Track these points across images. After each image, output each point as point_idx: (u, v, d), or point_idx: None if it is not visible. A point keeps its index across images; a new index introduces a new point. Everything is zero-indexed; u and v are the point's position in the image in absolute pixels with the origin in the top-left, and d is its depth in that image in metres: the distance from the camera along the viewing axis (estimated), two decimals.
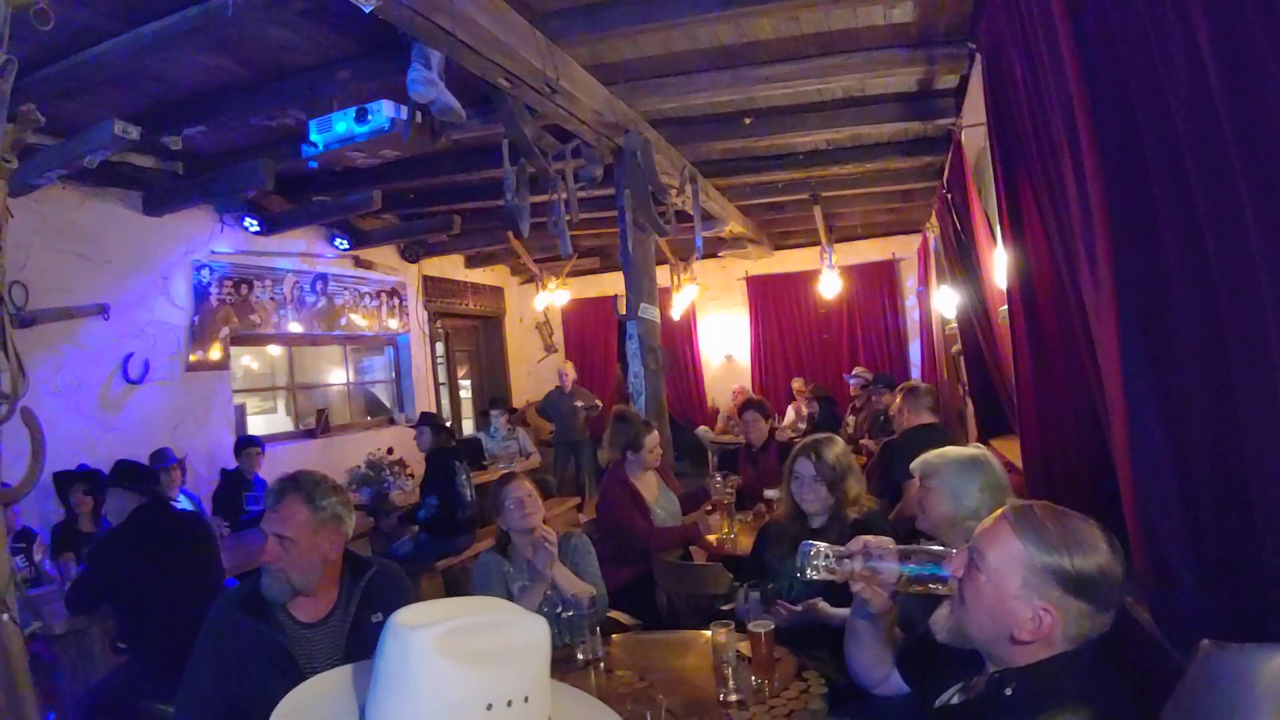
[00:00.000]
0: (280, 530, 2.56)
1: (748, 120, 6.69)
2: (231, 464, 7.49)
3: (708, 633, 3.02)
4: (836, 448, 3.75)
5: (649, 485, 5.40)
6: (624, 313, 6.54)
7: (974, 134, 5.44)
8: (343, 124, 4.85)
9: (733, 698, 2.78)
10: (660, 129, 6.50)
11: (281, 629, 2.59)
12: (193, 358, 7.75)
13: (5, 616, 1.84)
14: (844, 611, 3.29)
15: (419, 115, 4.69)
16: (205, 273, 7.93)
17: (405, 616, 1.34)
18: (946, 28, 5.09)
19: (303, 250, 9.11)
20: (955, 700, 1.96)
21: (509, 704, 1.28)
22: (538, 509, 3.75)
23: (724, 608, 3.56)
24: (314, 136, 5.02)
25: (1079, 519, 1.76)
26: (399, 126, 4.67)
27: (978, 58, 4.40)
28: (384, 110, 4.72)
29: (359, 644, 2.54)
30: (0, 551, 1.90)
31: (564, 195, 5.55)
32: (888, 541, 2.15)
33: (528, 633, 1.36)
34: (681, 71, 5.64)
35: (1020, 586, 1.72)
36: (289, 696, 1.46)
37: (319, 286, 9.36)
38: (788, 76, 5.52)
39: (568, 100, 4.98)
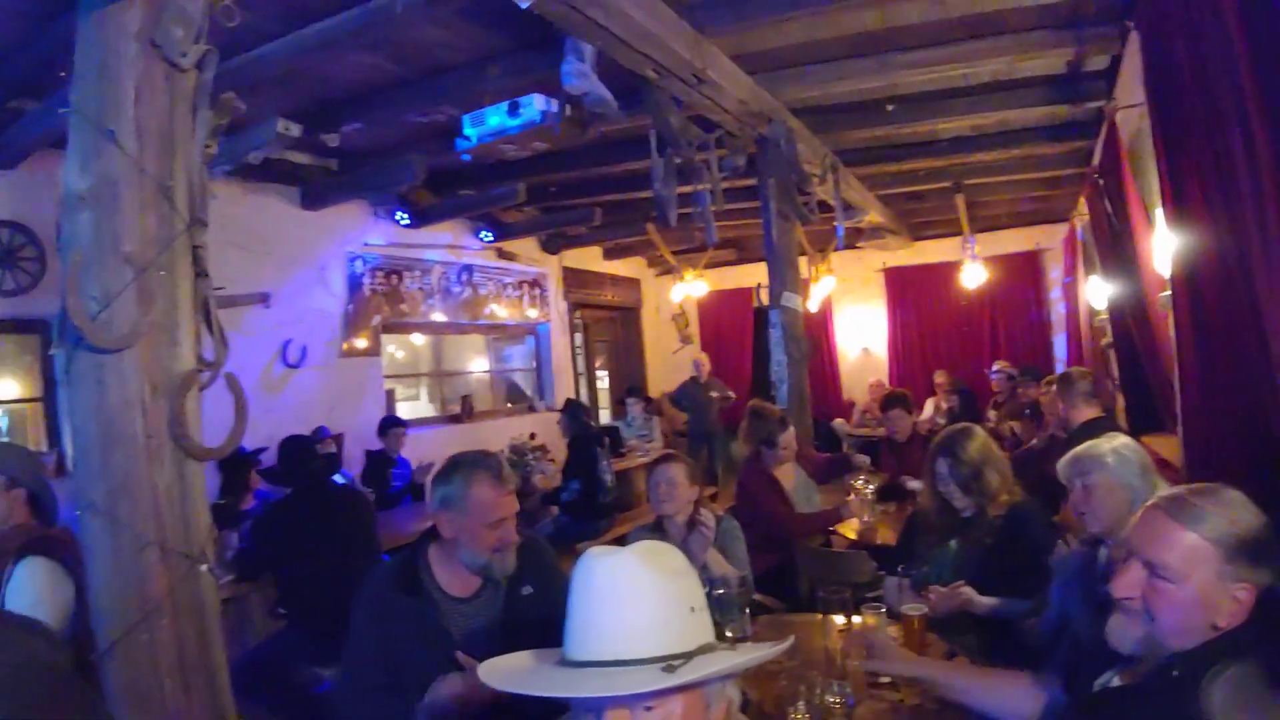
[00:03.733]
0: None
1: (890, 107, 6.61)
2: (378, 445, 7.78)
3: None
4: (974, 441, 3.66)
5: (787, 474, 5.42)
6: (765, 302, 6.55)
7: (1129, 115, 5.26)
8: (496, 118, 5.02)
9: (883, 680, 2.78)
10: (802, 118, 6.48)
11: (434, 604, 2.64)
12: (347, 344, 8.12)
13: (204, 568, 2.00)
14: (992, 600, 3.29)
15: (569, 108, 4.83)
16: (359, 264, 8.31)
17: (598, 551, 1.55)
18: (1098, 7, 4.95)
19: (449, 242, 9.43)
20: (1115, 683, 1.93)
21: (692, 610, 1.51)
22: (674, 498, 3.81)
23: (870, 595, 3.57)
24: (468, 131, 5.20)
25: (1219, 488, 1.74)
26: (550, 119, 4.80)
27: (1132, 36, 4.27)
28: (535, 104, 4.86)
29: (514, 615, 2.61)
30: (201, 506, 2.07)
31: (709, 185, 5.61)
32: None
33: (683, 556, 1.60)
34: (825, 59, 5.61)
35: (1215, 578, 1.67)
36: (484, 667, 1.61)
37: (464, 277, 9.67)
38: (933, 62, 5.44)
39: (713, 90, 5.02)
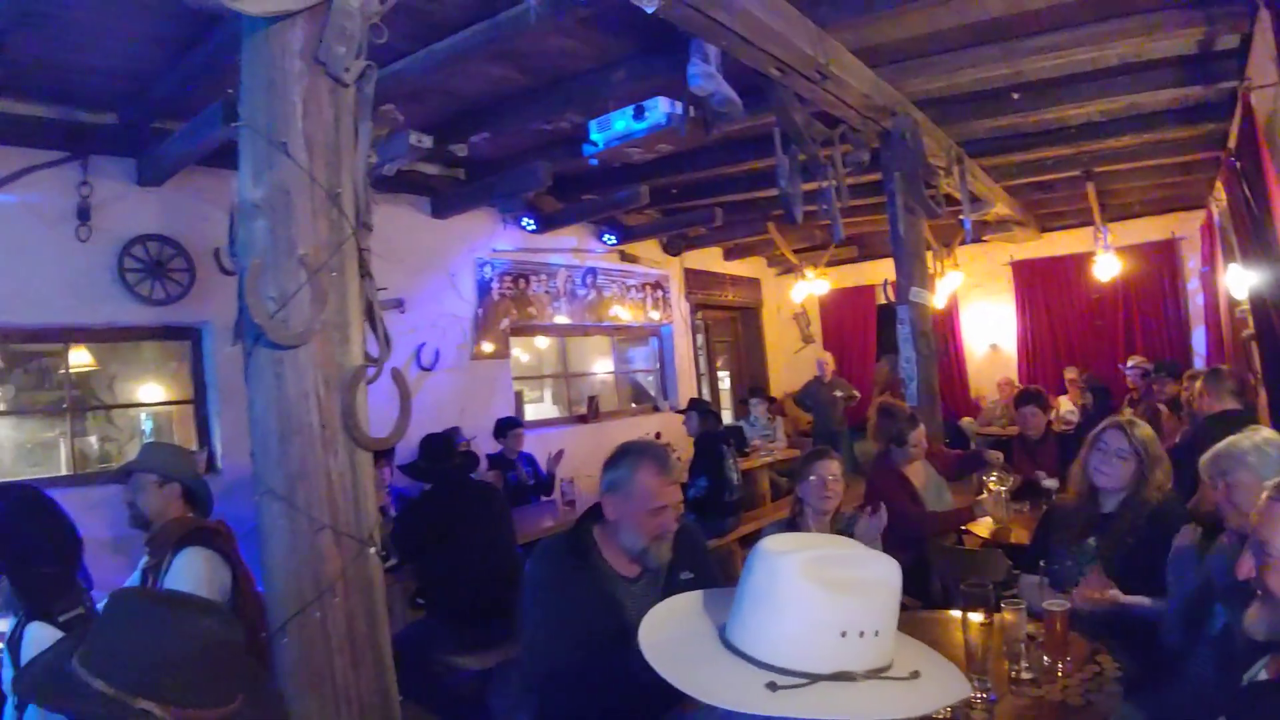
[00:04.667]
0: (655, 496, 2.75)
1: (1016, 95, 6.49)
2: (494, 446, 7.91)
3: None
4: (1148, 430, 3.63)
5: (917, 472, 5.38)
6: (890, 299, 6.51)
7: (1263, 95, 5.07)
8: (621, 122, 5.13)
9: (1025, 675, 2.77)
10: (926, 109, 6.40)
11: (607, 577, 2.78)
12: (477, 347, 8.35)
13: (372, 550, 2.13)
14: (1140, 599, 3.23)
15: (693, 109, 4.90)
16: (487, 269, 8.57)
17: (773, 543, 1.49)
18: None
19: (574, 246, 9.63)
20: (1263, 676, 1.91)
21: (860, 634, 1.38)
22: (836, 494, 3.86)
23: (1008, 594, 3.55)
24: (594, 136, 5.33)
25: None
26: (675, 121, 4.89)
27: (1262, 15, 4.12)
28: (660, 106, 4.95)
29: None
30: (369, 492, 2.21)
31: (834, 181, 5.61)
32: None
33: (881, 570, 1.46)
34: (948, 49, 5.55)
35: None
36: (650, 615, 1.61)
37: (588, 280, 9.85)
38: (1059, 46, 5.32)
39: (836, 85, 5.02)
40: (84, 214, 5.85)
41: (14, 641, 2.88)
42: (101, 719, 1.50)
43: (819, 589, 1.38)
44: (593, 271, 9.91)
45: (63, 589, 2.91)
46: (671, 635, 1.55)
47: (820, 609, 1.38)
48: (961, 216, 7.43)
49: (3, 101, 5.01)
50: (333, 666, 2.09)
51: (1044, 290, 12.26)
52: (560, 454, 7.68)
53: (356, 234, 2.17)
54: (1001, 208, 9.34)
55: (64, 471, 6.28)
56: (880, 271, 11.99)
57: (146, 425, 7.57)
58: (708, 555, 3.06)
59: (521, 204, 8.43)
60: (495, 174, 7.51)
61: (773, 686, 1.34)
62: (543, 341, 10.38)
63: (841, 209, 5.85)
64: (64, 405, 6.48)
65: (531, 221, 8.71)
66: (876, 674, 1.39)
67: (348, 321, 2.17)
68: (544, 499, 7.55)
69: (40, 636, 2.82)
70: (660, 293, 11.01)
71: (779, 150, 5.36)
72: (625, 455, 2.81)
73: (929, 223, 7.13)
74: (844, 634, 1.37)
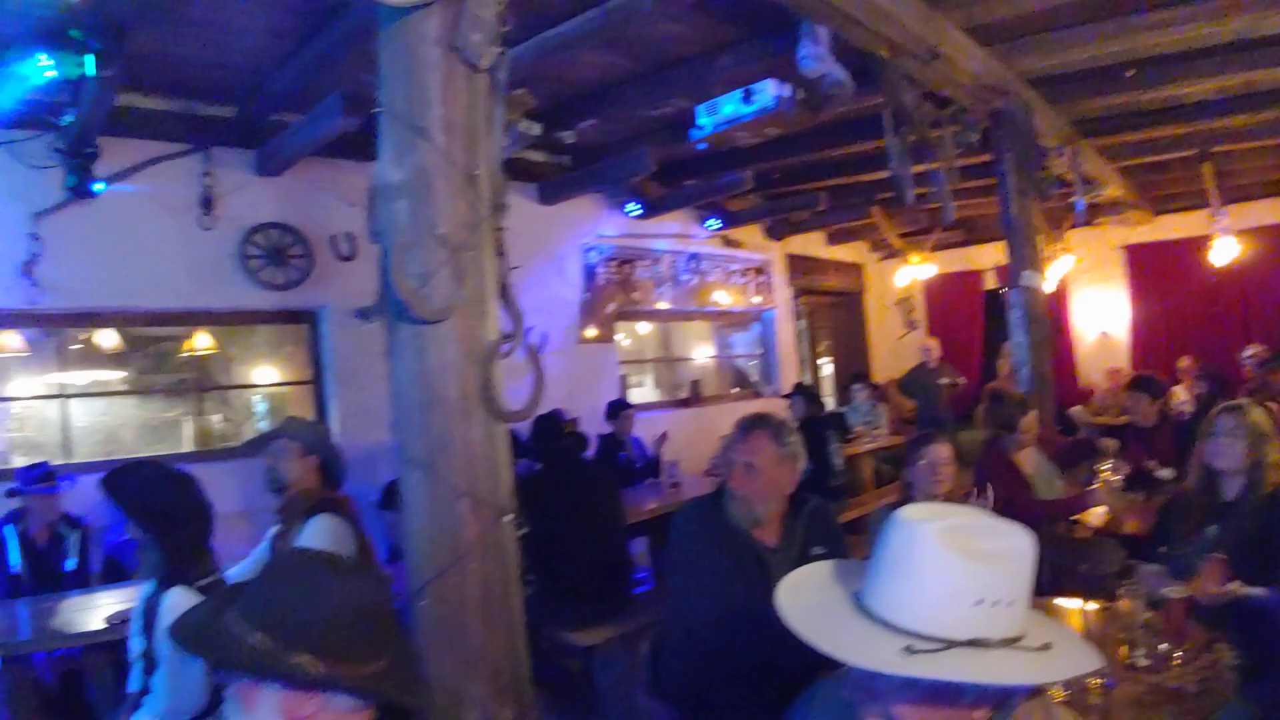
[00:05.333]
0: (749, 459, 2.85)
1: (1130, 72, 6.31)
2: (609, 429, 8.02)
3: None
4: (1258, 412, 3.55)
5: (1028, 459, 5.30)
6: (998, 284, 6.41)
7: None
8: (730, 106, 5.15)
9: (1142, 662, 2.75)
10: (1037, 88, 6.26)
11: (749, 544, 2.87)
12: (584, 332, 8.46)
13: (506, 519, 2.23)
14: (1261, 591, 3.16)
15: (801, 92, 4.90)
16: (593, 254, 8.69)
17: (911, 512, 1.52)
18: None
19: (677, 231, 9.66)
20: None
21: (995, 603, 1.40)
22: (949, 479, 3.86)
23: (1124, 584, 3.50)
24: (702, 120, 5.36)
25: None
26: (784, 104, 4.89)
27: None
28: (769, 89, 4.96)
29: None
30: (505, 462, 2.30)
31: (944, 162, 5.55)
32: None
33: (1017, 540, 1.48)
34: (1060, 26, 5.43)
35: None
36: (785, 582, 1.66)
37: (692, 265, 9.89)
38: (1174, 21, 5.16)
39: (947, 65, 4.97)
40: (207, 203, 6.12)
41: (149, 609, 3.08)
42: (257, 669, 1.56)
43: (956, 557, 1.41)
44: (696, 257, 9.93)
45: (199, 556, 3.10)
46: (809, 601, 1.59)
47: (957, 576, 1.41)
48: (1073, 198, 7.26)
49: (128, 96, 5.23)
50: (468, 628, 2.19)
51: (1157, 275, 11.81)
52: (664, 436, 7.76)
53: (492, 214, 2.26)
54: (1114, 189, 9.09)
55: (188, 449, 6.56)
56: (988, 256, 11.83)
57: (260, 406, 7.88)
58: (840, 533, 3.14)
59: (627, 190, 8.52)
60: (601, 160, 7.59)
61: (910, 650, 1.38)
62: (644, 326, 10.47)
63: (951, 191, 5.79)
64: (187, 386, 6.78)
65: (637, 207, 8.77)
66: (1010, 643, 1.40)
67: (485, 298, 2.27)
68: (650, 481, 7.62)
69: (179, 602, 3.00)
70: (763, 278, 10.98)
71: (889, 132, 5.33)
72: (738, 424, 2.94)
73: (1041, 205, 6.99)
74: (979, 602, 1.39)
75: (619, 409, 7.92)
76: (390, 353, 2.24)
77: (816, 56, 4.28)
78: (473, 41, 2.18)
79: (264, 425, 7.71)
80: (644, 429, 8.09)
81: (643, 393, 10.50)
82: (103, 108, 5.04)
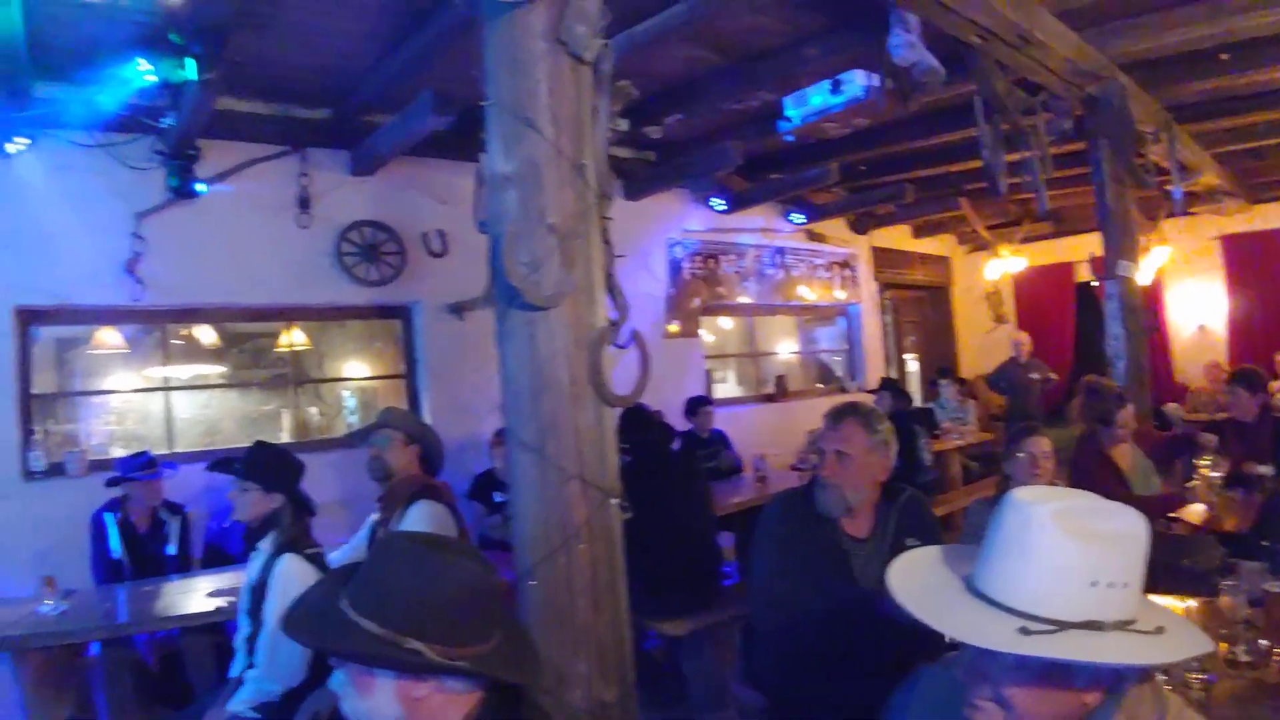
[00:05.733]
0: (840, 447, 2.85)
1: (1224, 56, 6.12)
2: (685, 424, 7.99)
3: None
4: None
5: (1124, 454, 5.20)
6: (1090, 276, 6.28)
7: None
8: (818, 97, 5.13)
9: (1243, 658, 2.71)
10: (1131, 73, 6.10)
11: (839, 536, 2.88)
12: (669, 327, 8.50)
13: (614, 501, 2.27)
14: None
15: (889, 81, 4.86)
16: (678, 250, 8.74)
17: (1024, 494, 1.53)
18: None
19: (762, 226, 9.66)
20: None
21: (1109, 585, 1.41)
22: (1048, 473, 3.82)
23: (1224, 581, 3.43)
24: (789, 112, 5.35)
25: None
26: (873, 94, 4.86)
27: None
28: (857, 80, 4.93)
29: None
30: (612, 446, 2.35)
31: (1037, 151, 5.47)
32: None
33: (1131, 523, 1.48)
34: (1153, 9, 5.31)
35: None
36: (895, 566, 1.68)
37: (776, 260, 9.88)
38: (1271, 2, 5.01)
39: (1039, 51, 4.89)
40: (304, 203, 6.35)
41: (261, 579, 3.36)
42: (372, 657, 1.61)
43: (1070, 539, 1.41)
44: (780, 251, 9.92)
45: (308, 529, 3.43)
46: (920, 584, 1.61)
47: (1071, 558, 1.41)
48: (1169, 186, 7.07)
49: (226, 100, 5.40)
50: (575, 608, 2.23)
51: (1256, 267, 11.41)
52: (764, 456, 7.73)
53: (599, 203, 2.30)
54: (1210, 177, 8.83)
55: (287, 439, 6.76)
56: (1079, 247, 11.57)
57: (350, 400, 8.08)
58: (934, 524, 3.11)
59: (711, 184, 8.53)
60: (686, 155, 7.61)
61: (1025, 631, 1.39)
62: (725, 321, 10.46)
63: (1051, 177, 5.69)
64: (285, 379, 6.99)
65: (722, 201, 8.80)
66: (1123, 626, 1.41)
67: (593, 285, 2.31)
68: (732, 478, 7.62)
69: (290, 568, 3.31)
70: (848, 272, 10.91)
71: (981, 120, 5.26)
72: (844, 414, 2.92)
73: (1150, 190, 6.81)
74: (1093, 584, 1.40)
75: (699, 405, 7.93)
76: (500, 339, 2.29)
77: (908, 44, 4.25)
78: (578, 34, 2.23)
79: (354, 419, 7.91)
80: (729, 424, 8.11)
81: (725, 388, 10.51)
82: (203, 111, 5.23)
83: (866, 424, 2.89)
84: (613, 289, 2.40)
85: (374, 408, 7.49)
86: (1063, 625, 1.39)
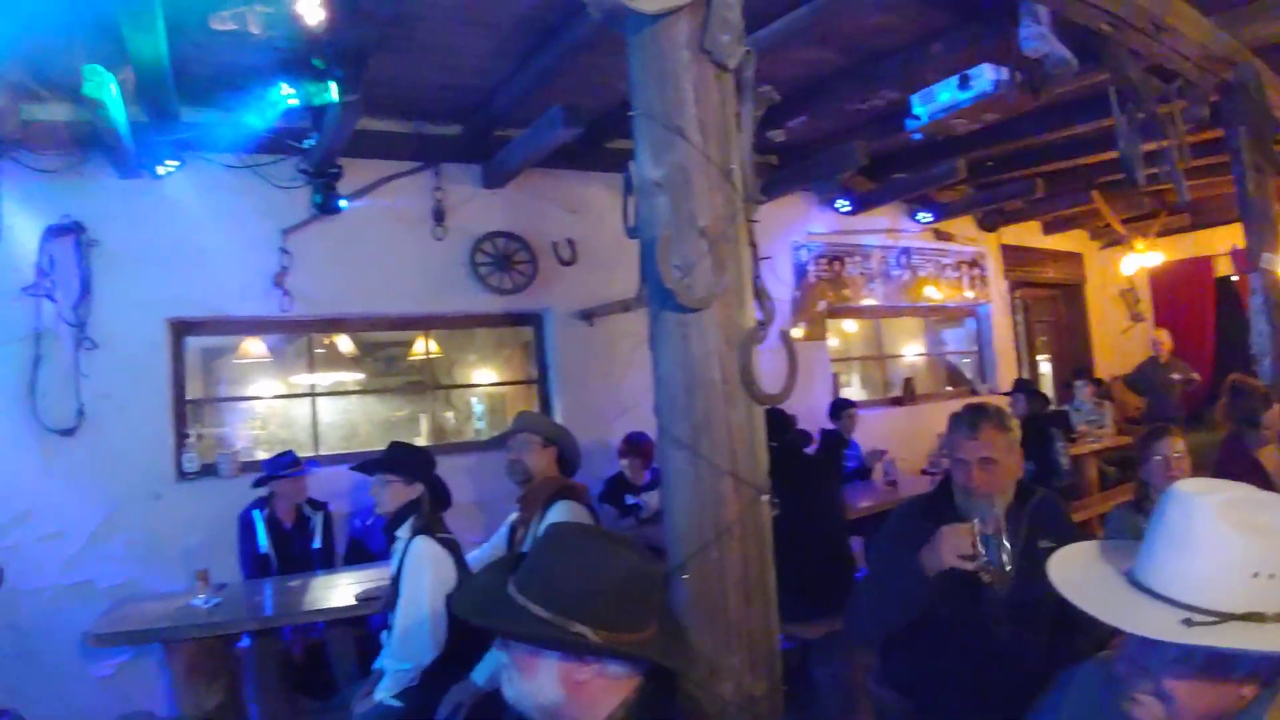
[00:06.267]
0: (985, 454, 2.80)
1: None
2: (828, 426, 7.98)
3: None
4: None
5: (1270, 457, 5.00)
6: (1225, 272, 6.05)
7: None
8: (946, 93, 5.10)
9: None
10: (1264, 58, 5.87)
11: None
12: (796, 330, 8.48)
13: (765, 497, 2.32)
14: None
15: (1018, 74, 4.80)
16: (803, 252, 8.75)
17: (1187, 486, 1.54)
18: None
19: (887, 226, 9.56)
20: None
21: (1271, 576, 1.41)
22: (1185, 474, 3.72)
23: None
24: (917, 110, 5.33)
25: None
26: (1002, 88, 4.81)
27: None
28: (985, 74, 4.89)
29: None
30: (762, 444, 2.40)
31: (1173, 140, 5.31)
32: None
33: None
34: None
35: None
36: (1054, 558, 1.70)
37: (902, 260, 9.76)
38: None
39: (1172, 37, 4.75)
40: (439, 215, 6.62)
41: (400, 567, 3.67)
42: (539, 639, 1.69)
43: (1233, 530, 1.43)
44: (906, 251, 9.80)
45: (441, 518, 3.87)
46: (1079, 577, 1.63)
47: (1234, 549, 1.42)
48: None
49: (364, 120, 5.64)
50: (727, 603, 2.28)
51: None
52: (883, 453, 7.65)
53: (745, 207, 2.36)
54: None
55: (424, 443, 7.00)
56: (1218, 240, 11.16)
57: (477, 407, 8.30)
58: (1071, 526, 3.06)
59: (836, 186, 8.50)
60: (810, 157, 7.60)
61: (1188, 623, 1.41)
62: (849, 324, 10.36)
63: (1189, 166, 5.52)
64: (423, 385, 7.27)
65: (846, 203, 8.76)
66: None
67: (742, 286, 2.37)
68: (866, 482, 7.58)
69: (423, 549, 3.63)
70: (976, 271, 10.68)
71: (1116, 109, 5.14)
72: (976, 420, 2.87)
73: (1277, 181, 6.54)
74: (1255, 575, 1.41)
75: (842, 408, 7.89)
76: (653, 341, 2.36)
77: (1038, 36, 4.21)
78: (721, 42, 2.28)
79: (481, 425, 8.13)
80: (856, 427, 8.05)
81: (850, 391, 10.40)
82: (344, 131, 5.48)
83: (1001, 425, 2.84)
84: (759, 291, 2.46)
85: (503, 414, 7.71)
86: (1225, 616, 1.40)
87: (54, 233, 5.53)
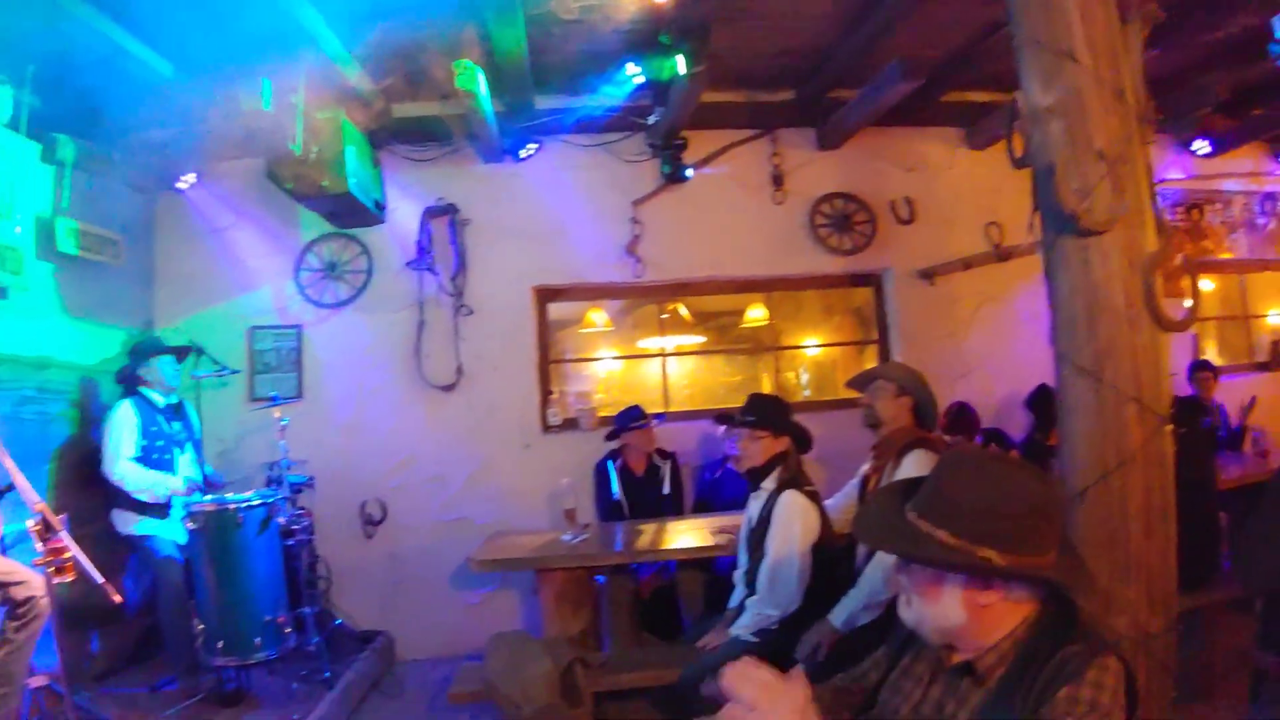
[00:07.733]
0: None
1: None
2: (1185, 390, 7.31)
3: None
4: None
5: None
6: None
7: None
8: None
9: None
10: None
11: None
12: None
13: (1168, 427, 2.26)
14: None
15: None
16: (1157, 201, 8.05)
17: None
18: None
19: (1250, 169, 8.69)
20: None
21: None
22: None
23: None
24: None
25: None
26: None
27: None
28: None
29: None
30: (1167, 368, 2.34)
31: None
32: None
33: None
34: None
35: None
36: None
37: (1267, 207, 8.83)
38: None
39: None
40: (777, 180, 6.81)
41: (764, 516, 3.89)
42: (946, 563, 1.71)
43: None
44: (1272, 197, 8.84)
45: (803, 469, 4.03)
46: None
47: None
48: None
49: (706, 93, 5.85)
50: (1126, 532, 2.25)
51: None
52: (1254, 401, 7.05)
53: (1140, 127, 2.31)
54: None
55: None
56: None
57: (804, 376, 8.34)
58: None
59: (1192, 125, 7.82)
60: (1160, 96, 7.00)
61: None
62: (1204, 281, 9.40)
63: None
64: (764, 345, 7.50)
65: (1205, 144, 8.02)
66: None
67: (1143, 208, 2.33)
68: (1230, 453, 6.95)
69: (791, 501, 3.81)
70: None
71: None
72: None
73: None
74: None
75: (1197, 370, 7.35)
76: (1050, 268, 2.36)
77: None
78: None
79: (808, 392, 8.15)
80: (1220, 394, 7.44)
81: (1207, 356, 9.54)
82: (690, 102, 5.73)
83: None
84: (1158, 214, 2.39)
85: (832, 377, 7.73)
86: None
87: (431, 214, 6.39)
